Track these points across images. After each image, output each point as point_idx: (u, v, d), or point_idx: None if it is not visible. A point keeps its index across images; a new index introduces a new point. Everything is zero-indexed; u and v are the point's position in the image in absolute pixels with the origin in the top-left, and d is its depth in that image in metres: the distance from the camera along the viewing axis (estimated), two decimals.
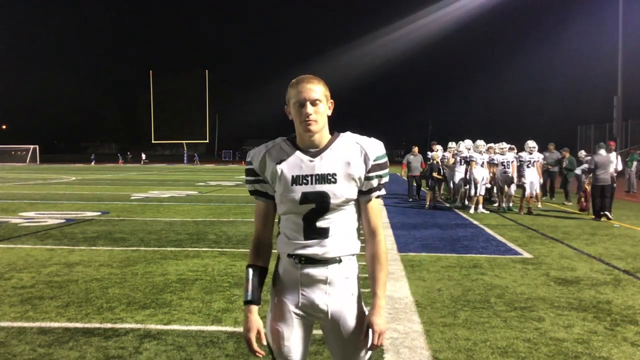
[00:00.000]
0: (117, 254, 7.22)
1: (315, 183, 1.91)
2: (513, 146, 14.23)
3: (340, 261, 1.95)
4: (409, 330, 4.23)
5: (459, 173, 14.31)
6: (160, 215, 11.69)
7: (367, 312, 2.00)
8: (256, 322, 1.97)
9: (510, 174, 13.17)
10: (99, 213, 12.06)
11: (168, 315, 4.57)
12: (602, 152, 11.59)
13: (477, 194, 12.99)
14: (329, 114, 1.98)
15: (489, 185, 13.36)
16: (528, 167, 13.21)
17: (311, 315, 1.99)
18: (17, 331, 4.16)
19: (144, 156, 67.28)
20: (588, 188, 12.19)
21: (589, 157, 17.61)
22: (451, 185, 15.29)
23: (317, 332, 2.14)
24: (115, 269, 6.31)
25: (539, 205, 14.07)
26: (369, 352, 2.00)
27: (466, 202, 13.56)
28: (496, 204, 13.84)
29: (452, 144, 16.12)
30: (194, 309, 4.77)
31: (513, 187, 13.35)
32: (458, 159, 14.56)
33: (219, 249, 7.65)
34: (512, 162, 13.42)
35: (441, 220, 11.49)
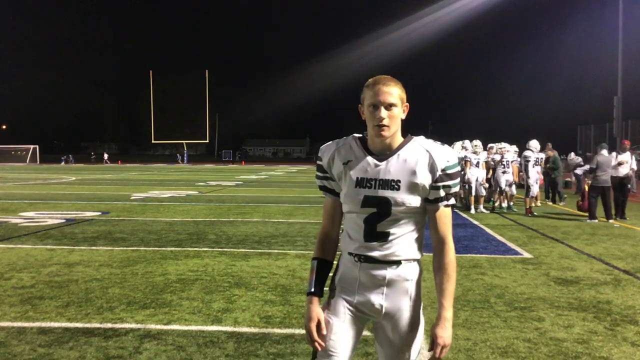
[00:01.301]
0: (117, 254, 7.22)
1: (378, 188, 1.89)
2: (516, 149, 14.23)
3: (399, 263, 1.93)
4: None
5: None
6: (160, 215, 11.69)
7: (422, 318, 2.00)
8: (317, 312, 1.95)
9: (511, 174, 13.15)
10: (99, 213, 12.06)
11: (168, 315, 4.57)
12: (604, 152, 11.49)
13: (474, 194, 12.97)
14: (403, 117, 1.95)
15: (486, 185, 13.33)
16: (533, 166, 13.21)
17: (365, 313, 1.98)
18: (17, 331, 4.16)
19: (106, 156, 66.50)
20: (586, 188, 12.17)
21: (579, 159, 17.63)
22: None
23: (366, 333, 2.14)
24: (115, 269, 6.31)
25: (538, 204, 14.07)
26: (416, 356, 1.99)
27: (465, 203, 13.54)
28: (497, 204, 13.79)
29: (453, 144, 16.09)
30: (194, 309, 4.77)
31: (514, 187, 13.34)
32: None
33: (219, 249, 7.65)
34: (513, 162, 13.40)
35: None
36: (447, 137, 19.15)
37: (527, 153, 13.21)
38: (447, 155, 1.92)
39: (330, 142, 2.04)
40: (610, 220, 11.11)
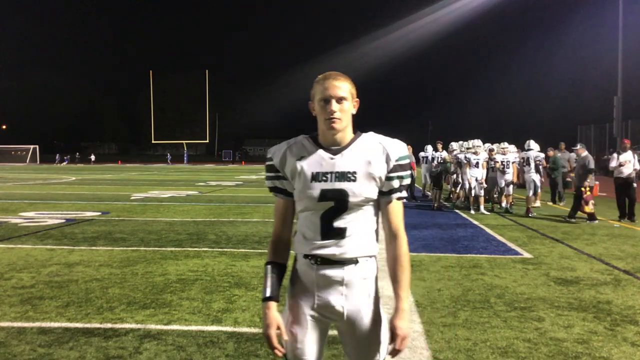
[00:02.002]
0: (117, 254, 7.22)
1: (335, 180, 1.89)
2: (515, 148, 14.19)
3: (357, 262, 1.92)
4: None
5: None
6: (160, 215, 11.69)
7: (383, 315, 1.98)
8: (275, 318, 1.93)
9: (510, 175, 13.09)
10: (99, 213, 12.06)
11: (168, 315, 4.57)
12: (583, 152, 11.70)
13: (474, 195, 12.93)
14: (354, 112, 1.96)
15: (484, 185, 13.27)
16: (525, 166, 13.17)
17: (327, 317, 1.97)
18: (17, 331, 4.16)
19: (93, 157, 65.40)
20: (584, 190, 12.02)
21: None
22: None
23: (333, 332, 2.12)
24: (115, 269, 6.31)
25: (538, 204, 14.04)
26: (384, 355, 1.97)
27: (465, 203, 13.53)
28: (497, 205, 13.77)
29: (454, 144, 16.03)
30: (194, 309, 4.77)
31: (511, 187, 13.28)
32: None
33: (219, 249, 7.65)
34: (513, 162, 13.31)
35: (441, 220, 11.49)
36: (448, 137, 19.11)
37: (529, 153, 13.23)
38: (399, 147, 1.94)
39: (281, 142, 2.04)
40: (611, 222, 11.11)
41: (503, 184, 13.17)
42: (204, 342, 3.95)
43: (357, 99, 1.98)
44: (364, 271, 1.94)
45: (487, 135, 13.63)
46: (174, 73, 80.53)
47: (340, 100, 1.89)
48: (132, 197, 16.34)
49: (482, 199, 13.05)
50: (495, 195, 14.00)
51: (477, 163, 13.02)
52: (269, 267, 2.01)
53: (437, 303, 5.03)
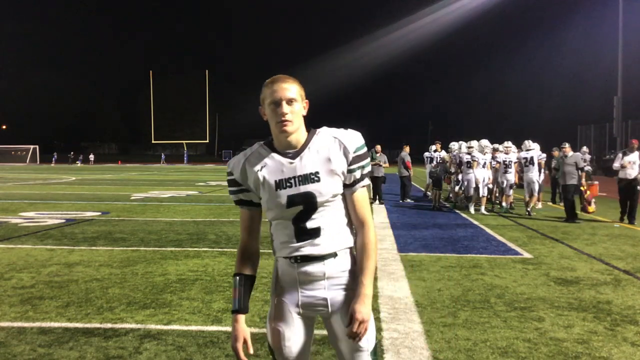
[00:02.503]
0: (117, 254, 7.22)
1: (300, 184, 1.90)
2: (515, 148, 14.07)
3: (336, 255, 1.94)
4: (409, 330, 4.23)
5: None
6: (160, 215, 11.69)
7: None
8: (242, 331, 1.95)
9: (512, 175, 13.02)
10: (99, 213, 12.06)
11: (168, 315, 4.57)
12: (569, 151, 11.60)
13: (480, 195, 12.85)
14: (304, 113, 1.96)
15: (490, 186, 13.25)
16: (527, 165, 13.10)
17: (312, 310, 1.98)
18: (17, 331, 4.16)
19: (92, 157, 64.89)
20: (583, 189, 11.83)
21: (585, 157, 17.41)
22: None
23: (318, 332, 2.13)
24: (115, 269, 6.31)
25: (540, 205, 14.01)
26: (371, 347, 1.97)
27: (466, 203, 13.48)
28: (498, 205, 13.73)
29: (454, 144, 15.97)
30: (194, 309, 4.77)
31: (512, 188, 13.23)
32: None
33: (219, 249, 7.65)
34: (515, 162, 13.22)
35: (441, 220, 11.49)
36: (447, 137, 19.12)
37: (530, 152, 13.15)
38: (355, 138, 1.95)
39: (238, 154, 2.04)
40: (618, 225, 11.10)
41: (505, 184, 13.10)
42: (204, 342, 3.95)
43: (307, 100, 1.99)
44: (345, 263, 1.97)
45: (487, 135, 13.55)
46: (174, 73, 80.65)
47: (290, 101, 1.90)
48: (132, 197, 16.34)
49: (484, 199, 12.98)
50: (496, 195, 13.97)
51: (485, 163, 12.98)
52: (237, 279, 2.02)
53: (437, 303, 5.03)
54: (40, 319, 4.45)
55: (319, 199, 1.90)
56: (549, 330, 4.30)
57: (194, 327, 4.27)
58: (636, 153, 11.06)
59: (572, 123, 44.07)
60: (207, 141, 79.51)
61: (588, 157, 18.10)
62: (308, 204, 1.90)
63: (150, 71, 75.76)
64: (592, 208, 11.79)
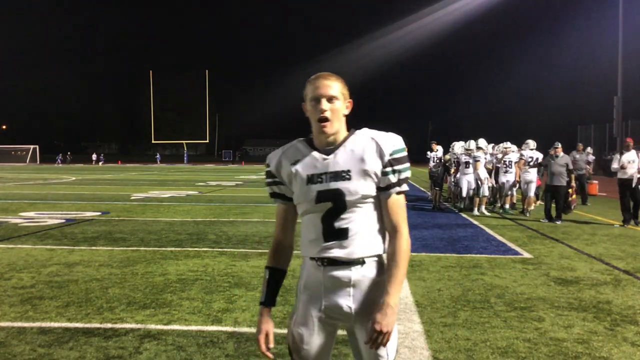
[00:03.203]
0: (117, 254, 7.22)
1: (330, 181, 1.87)
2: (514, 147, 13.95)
3: (363, 262, 1.89)
4: (409, 330, 4.23)
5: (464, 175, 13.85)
6: (160, 215, 11.69)
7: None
8: (265, 324, 1.95)
9: (513, 175, 12.97)
10: (99, 213, 12.06)
11: (168, 315, 4.57)
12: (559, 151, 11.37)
13: (480, 195, 12.75)
14: (346, 112, 1.93)
15: (490, 185, 13.14)
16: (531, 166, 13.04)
17: (335, 318, 1.94)
18: (17, 331, 4.16)
19: (94, 157, 64.60)
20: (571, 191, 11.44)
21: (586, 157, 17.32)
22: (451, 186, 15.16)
23: (340, 332, 2.11)
24: (115, 269, 6.31)
25: (532, 207, 13.78)
26: (393, 356, 1.93)
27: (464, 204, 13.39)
28: (498, 205, 13.68)
29: (456, 144, 15.89)
30: (194, 309, 4.77)
31: (514, 188, 13.19)
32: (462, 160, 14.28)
33: (219, 249, 7.65)
34: (515, 162, 13.14)
35: (441, 220, 11.49)
36: (448, 137, 19.10)
37: (528, 152, 13.10)
38: (393, 140, 1.91)
39: (277, 149, 2.03)
40: (618, 225, 11.08)
41: (506, 184, 13.05)
42: (204, 342, 3.95)
43: (350, 100, 1.96)
44: (372, 271, 1.91)
45: (487, 135, 13.50)
46: (174, 73, 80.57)
47: (331, 99, 1.88)
48: (132, 197, 16.33)
49: (484, 199, 12.90)
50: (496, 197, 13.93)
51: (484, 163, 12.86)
52: (267, 271, 2.02)
53: (437, 303, 5.02)
54: (40, 319, 4.44)
55: (347, 198, 1.86)
56: (549, 330, 4.30)
57: (194, 327, 4.27)
58: (633, 151, 10.79)
59: (572, 123, 44.07)
60: (207, 141, 79.54)
61: (592, 158, 18.04)
62: (337, 202, 1.87)
63: (150, 71, 75.78)
64: (572, 210, 11.35)
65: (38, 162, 63.07)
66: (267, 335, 1.94)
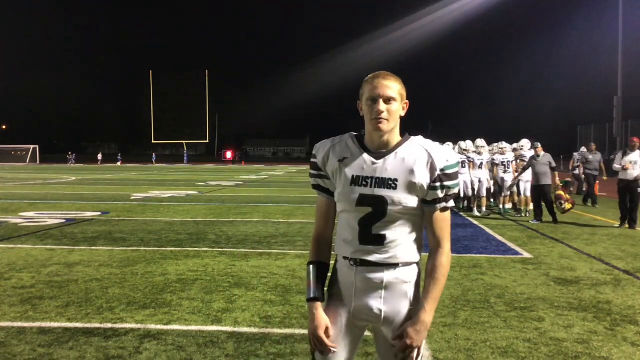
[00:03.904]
0: (117, 254, 7.22)
1: (375, 186, 1.83)
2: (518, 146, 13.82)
3: (397, 266, 1.87)
4: None
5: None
6: (160, 215, 11.69)
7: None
8: (323, 318, 1.88)
9: (510, 175, 12.93)
10: (99, 213, 12.06)
11: (168, 315, 4.57)
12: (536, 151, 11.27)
13: (477, 196, 12.61)
14: (403, 114, 1.89)
15: (490, 186, 13.00)
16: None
17: (363, 319, 1.92)
18: (17, 331, 4.16)
19: (100, 157, 64.53)
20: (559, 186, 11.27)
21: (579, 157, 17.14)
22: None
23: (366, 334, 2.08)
24: (115, 269, 6.31)
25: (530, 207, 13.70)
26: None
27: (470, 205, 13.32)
28: (499, 206, 13.63)
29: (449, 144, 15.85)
30: (194, 309, 4.77)
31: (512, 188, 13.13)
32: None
33: (219, 249, 7.65)
34: (513, 162, 13.12)
35: None
36: (447, 138, 19.09)
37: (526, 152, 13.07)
38: (446, 155, 1.87)
39: (326, 139, 1.98)
40: (617, 225, 11.06)
41: (504, 184, 13.01)
42: (204, 342, 3.95)
43: (407, 101, 1.92)
44: (405, 275, 1.89)
45: (487, 135, 13.48)
46: (174, 73, 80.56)
47: (388, 100, 1.83)
48: (132, 197, 16.33)
49: (484, 200, 12.74)
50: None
51: (481, 164, 12.72)
52: (311, 267, 1.97)
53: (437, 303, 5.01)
54: (40, 319, 4.44)
55: (389, 207, 1.82)
56: (549, 330, 4.30)
57: (194, 327, 4.27)
58: (637, 152, 10.40)
59: (572, 123, 44.09)
60: (207, 141, 79.47)
61: (599, 156, 17.90)
62: (378, 208, 1.83)
63: (150, 71, 75.76)
64: (569, 205, 10.96)
65: (38, 162, 63.05)
66: (327, 328, 1.87)
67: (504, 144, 13.40)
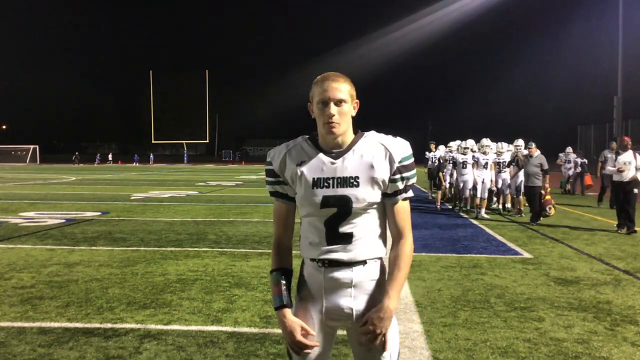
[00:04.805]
0: (117, 254, 7.22)
1: (337, 186, 1.84)
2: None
3: (365, 263, 1.88)
4: (409, 330, 4.23)
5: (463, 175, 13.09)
6: (160, 215, 11.69)
7: (394, 317, 1.91)
8: (296, 322, 1.86)
9: (508, 174, 12.89)
10: (99, 213, 12.06)
11: (168, 315, 4.57)
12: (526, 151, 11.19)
13: (479, 197, 12.18)
14: (354, 114, 1.89)
15: (494, 188, 12.76)
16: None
17: (335, 320, 1.92)
18: (17, 331, 4.16)
19: (98, 157, 64.34)
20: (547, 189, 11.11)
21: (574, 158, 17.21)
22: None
23: (340, 332, 2.09)
24: (115, 269, 6.31)
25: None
26: (395, 356, 1.91)
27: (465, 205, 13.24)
28: (498, 206, 13.62)
29: (452, 144, 15.83)
30: (194, 309, 4.77)
31: (509, 189, 13.10)
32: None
33: (219, 249, 7.65)
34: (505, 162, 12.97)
35: (441, 220, 11.49)
36: (448, 138, 19.07)
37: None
38: (402, 147, 1.89)
39: (279, 145, 1.98)
40: (617, 230, 11.04)
41: (501, 184, 12.97)
42: (204, 342, 3.95)
43: (357, 100, 1.93)
44: (374, 272, 1.90)
45: (487, 135, 13.43)
46: (174, 73, 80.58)
47: (339, 102, 1.83)
48: (132, 197, 16.33)
49: (484, 202, 12.38)
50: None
51: (486, 164, 12.40)
52: (275, 274, 1.96)
53: (437, 303, 5.02)
54: (40, 319, 4.44)
55: (354, 205, 1.83)
56: (549, 330, 4.30)
57: (194, 327, 4.27)
58: (630, 152, 9.92)
59: (572, 123, 44.08)
60: (207, 141, 79.53)
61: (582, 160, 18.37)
62: (342, 208, 1.84)
63: (150, 71, 75.78)
64: (549, 213, 10.77)
65: (38, 162, 63.05)
66: (302, 329, 1.86)
67: (503, 145, 13.32)
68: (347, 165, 1.85)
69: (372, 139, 1.91)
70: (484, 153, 12.56)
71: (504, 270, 6.44)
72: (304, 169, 1.88)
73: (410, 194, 1.93)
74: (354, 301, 1.88)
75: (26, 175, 32.48)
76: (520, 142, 13.17)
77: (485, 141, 12.64)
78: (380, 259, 1.94)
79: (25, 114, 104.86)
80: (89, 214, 11.90)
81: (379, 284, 1.91)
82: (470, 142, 13.21)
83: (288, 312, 1.89)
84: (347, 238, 1.86)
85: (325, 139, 1.89)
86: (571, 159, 18.80)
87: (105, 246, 7.85)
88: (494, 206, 13.56)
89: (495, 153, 13.03)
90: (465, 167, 12.52)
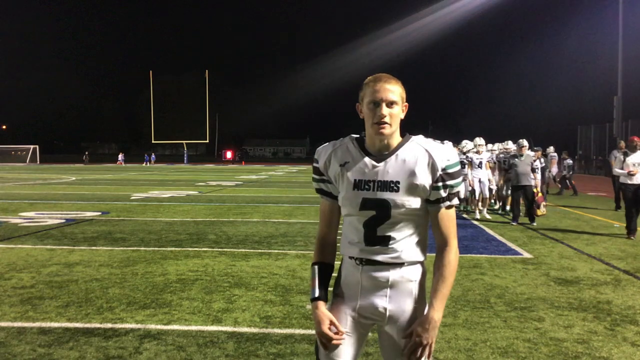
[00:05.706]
0: (117, 254, 7.22)
1: (377, 190, 1.84)
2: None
3: (402, 264, 1.88)
4: None
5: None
6: (160, 215, 11.69)
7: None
8: (326, 314, 1.87)
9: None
10: (99, 213, 12.06)
11: (168, 315, 4.57)
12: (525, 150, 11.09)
13: (478, 197, 12.22)
14: (402, 117, 1.89)
15: (492, 187, 12.76)
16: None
17: (368, 318, 1.92)
18: (17, 331, 4.16)
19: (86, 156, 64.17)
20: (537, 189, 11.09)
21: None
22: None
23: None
24: (115, 269, 6.31)
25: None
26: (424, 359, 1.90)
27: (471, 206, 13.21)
28: (497, 206, 13.62)
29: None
30: (194, 309, 4.77)
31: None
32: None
33: (219, 249, 7.65)
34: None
35: None
36: (447, 138, 19.08)
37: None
38: (447, 154, 1.87)
39: (327, 143, 1.99)
40: (618, 225, 11.05)
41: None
42: (204, 342, 3.95)
43: (407, 103, 1.92)
44: (410, 274, 1.90)
45: (487, 135, 13.41)
46: (174, 73, 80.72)
47: (390, 104, 1.83)
48: (132, 197, 16.33)
49: (486, 201, 12.34)
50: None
51: (480, 163, 12.35)
52: (315, 267, 1.98)
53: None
54: (40, 319, 4.45)
55: (393, 209, 1.83)
56: (549, 330, 4.30)
57: (194, 327, 4.28)
58: (638, 152, 9.32)
59: (572, 123, 44.09)
60: (207, 141, 79.43)
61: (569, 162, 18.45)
62: (381, 211, 1.84)
63: (150, 71, 75.73)
64: (540, 211, 10.71)
65: (38, 162, 63.04)
66: (331, 322, 1.86)
67: (509, 144, 13.26)
68: (389, 169, 1.85)
69: (417, 143, 1.89)
70: (477, 152, 12.50)
71: (504, 270, 6.44)
72: (347, 169, 1.89)
73: (455, 201, 1.91)
74: (388, 301, 1.89)
75: (26, 175, 32.48)
76: (524, 142, 13.17)
77: (479, 140, 12.55)
78: (420, 262, 1.93)
79: (25, 114, 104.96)
80: (89, 214, 11.90)
81: (417, 287, 1.91)
82: (467, 143, 13.24)
83: (321, 304, 1.90)
84: (385, 241, 1.86)
85: (372, 139, 1.88)
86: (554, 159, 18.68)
87: (105, 246, 7.85)
88: (495, 207, 13.58)
89: (489, 151, 12.99)
90: (464, 168, 12.45)
